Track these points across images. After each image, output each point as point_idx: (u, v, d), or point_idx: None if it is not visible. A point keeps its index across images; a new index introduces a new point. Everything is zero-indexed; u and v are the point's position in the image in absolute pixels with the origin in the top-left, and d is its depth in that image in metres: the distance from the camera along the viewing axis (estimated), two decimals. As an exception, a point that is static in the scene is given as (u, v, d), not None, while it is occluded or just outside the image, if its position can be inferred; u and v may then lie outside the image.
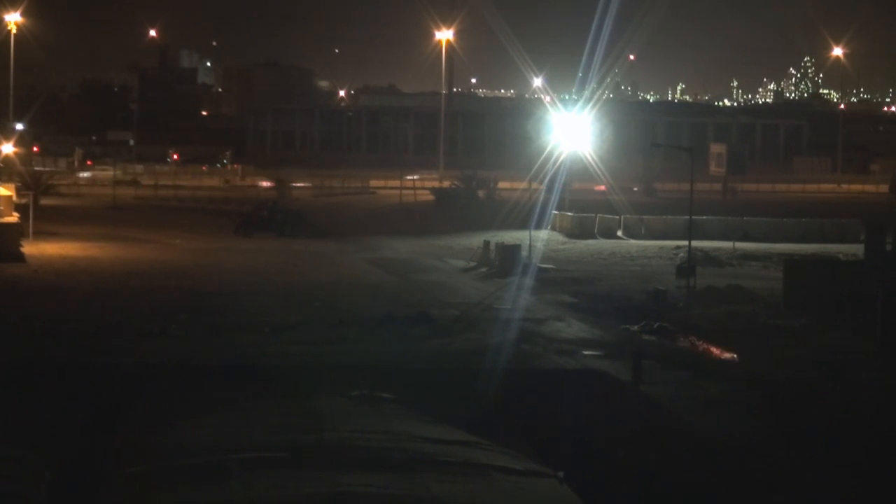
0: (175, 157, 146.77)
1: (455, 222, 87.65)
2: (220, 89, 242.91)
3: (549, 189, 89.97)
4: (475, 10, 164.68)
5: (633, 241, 79.32)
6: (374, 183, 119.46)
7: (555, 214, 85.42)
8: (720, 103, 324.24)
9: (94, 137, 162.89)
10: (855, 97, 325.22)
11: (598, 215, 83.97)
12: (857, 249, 65.56)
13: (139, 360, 37.27)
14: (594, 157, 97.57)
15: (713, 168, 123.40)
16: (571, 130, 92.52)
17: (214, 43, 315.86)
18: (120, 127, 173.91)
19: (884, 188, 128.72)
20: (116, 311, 46.38)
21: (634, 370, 37.11)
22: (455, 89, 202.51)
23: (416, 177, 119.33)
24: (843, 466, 29.19)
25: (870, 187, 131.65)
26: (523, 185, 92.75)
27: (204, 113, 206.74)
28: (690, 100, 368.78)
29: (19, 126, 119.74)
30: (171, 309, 46.50)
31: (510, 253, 64.42)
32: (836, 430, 32.23)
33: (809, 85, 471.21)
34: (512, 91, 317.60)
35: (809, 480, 28.24)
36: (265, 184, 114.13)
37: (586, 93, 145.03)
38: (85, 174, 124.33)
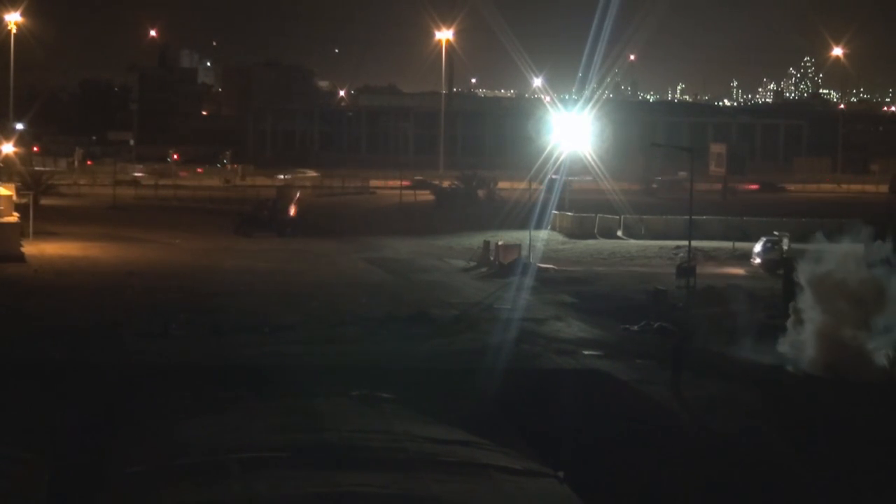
0: (175, 157, 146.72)
1: (455, 222, 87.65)
2: (220, 89, 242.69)
3: (549, 189, 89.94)
4: (475, 10, 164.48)
5: (633, 241, 79.28)
6: (374, 183, 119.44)
7: (555, 214, 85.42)
8: (720, 103, 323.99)
9: (94, 137, 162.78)
10: (855, 97, 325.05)
11: (598, 215, 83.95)
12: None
13: (139, 360, 37.29)
14: (594, 156, 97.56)
15: (713, 168, 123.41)
16: (571, 130, 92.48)
17: (214, 43, 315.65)
18: (120, 127, 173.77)
19: (884, 188, 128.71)
20: (116, 311, 46.38)
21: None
22: (455, 89, 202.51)
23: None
24: (843, 466, 29.19)
25: (870, 187, 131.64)
26: (523, 185, 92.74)
27: (204, 113, 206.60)
28: (690, 100, 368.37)
29: (19, 126, 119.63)
30: (171, 309, 46.49)
31: (510, 253, 64.51)
32: (836, 430, 32.25)
33: (809, 85, 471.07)
34: (512, 91, 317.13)
35: (809, 480, 28.25)
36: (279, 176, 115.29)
37: (586, 93, 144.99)
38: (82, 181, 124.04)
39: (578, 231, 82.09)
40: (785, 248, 64.21)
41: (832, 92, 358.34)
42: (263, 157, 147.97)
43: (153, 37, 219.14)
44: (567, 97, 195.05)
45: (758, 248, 66.82)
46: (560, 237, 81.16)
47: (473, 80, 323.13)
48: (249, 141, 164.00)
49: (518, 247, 65.79)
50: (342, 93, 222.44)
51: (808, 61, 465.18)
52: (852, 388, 37.24)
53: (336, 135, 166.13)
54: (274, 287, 54.91)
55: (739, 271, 64.97)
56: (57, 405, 30.92)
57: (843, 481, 28.22)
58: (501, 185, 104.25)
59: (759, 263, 65.11)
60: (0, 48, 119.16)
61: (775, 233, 68.62)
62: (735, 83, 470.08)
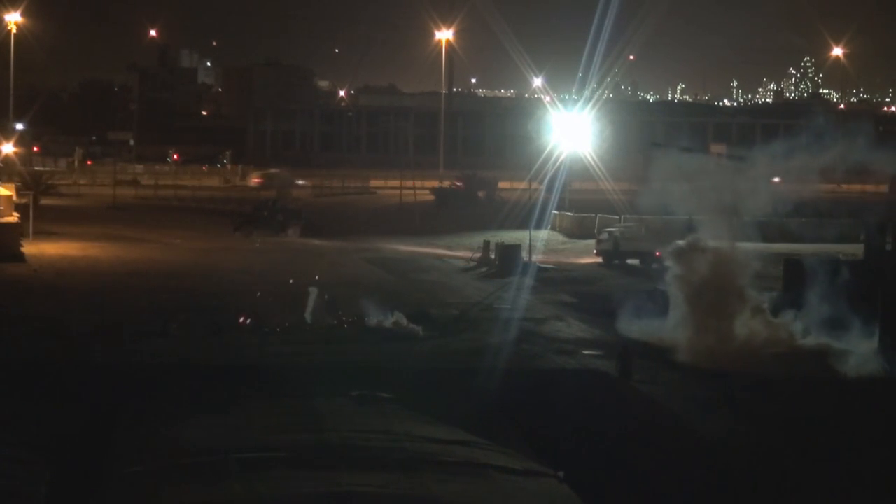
0: (175, 157, 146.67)
1: (455, 222, 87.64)
2: (220, 89, 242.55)
3: (549, 189, 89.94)
4: (475, 10, 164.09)
5: (633, 241, 79.23)
6: (374, 183, 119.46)
7: (555, 214, 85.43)
8: (720, 103, 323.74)
9: (94, 137, 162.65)
10: (855, 97, 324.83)
11: (598, 215, 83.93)
12: (856, 249, 65.47)
13: (139, 360, 37.29)
14: (594, 156, 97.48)
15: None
16: (571, 130, 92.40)
17: (214, 43, 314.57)
18: (120, 127, 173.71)
19: (883, 188, 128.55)
20: (116, 311, 46.36)
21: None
22: (455, 89, 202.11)
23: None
24: (842, 466, 29.18)
25: (869, 187, 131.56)
26: (523, 185, 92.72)
27: (204, 113, 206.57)
28: (690, 100, 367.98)
29: (19, 126, 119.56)
30: (171, 309, 46.48)
31: (510, 253, 64.47)
32: (836, 430, 32.24)
33: (809, 85, 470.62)
34: (512, 91, 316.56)
35: (808, 480, 28.25)
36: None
37: (586, 93, 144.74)
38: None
39: (578, 231, 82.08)
40: (618, 237, 68.73)
41: (832, 92, 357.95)
42: (263, 158, 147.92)
43: (153, 37, 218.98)
44: (567, 97, 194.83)
45: (598, 238, 69.86)
46: (560, 237, 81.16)
47: (473, 80, 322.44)
48: (249, 141, 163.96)
49: (518, 247, 65.78)
50: (342, 93, 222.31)
51: (808, 61, 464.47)
52: (852, 386, 37.27)
53: (336, 135, 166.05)
54: (274, 287, 54.86)
55: (587, 260, 69.47)
56: (57, 405, 30.91)
57: (842, 481, 28.23)
58: (501, 185, 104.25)
59: (595, 253, 68.99)
60: (0, 48, 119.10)
61: (616, 224, 72.61)
62: (735, 83, 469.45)
